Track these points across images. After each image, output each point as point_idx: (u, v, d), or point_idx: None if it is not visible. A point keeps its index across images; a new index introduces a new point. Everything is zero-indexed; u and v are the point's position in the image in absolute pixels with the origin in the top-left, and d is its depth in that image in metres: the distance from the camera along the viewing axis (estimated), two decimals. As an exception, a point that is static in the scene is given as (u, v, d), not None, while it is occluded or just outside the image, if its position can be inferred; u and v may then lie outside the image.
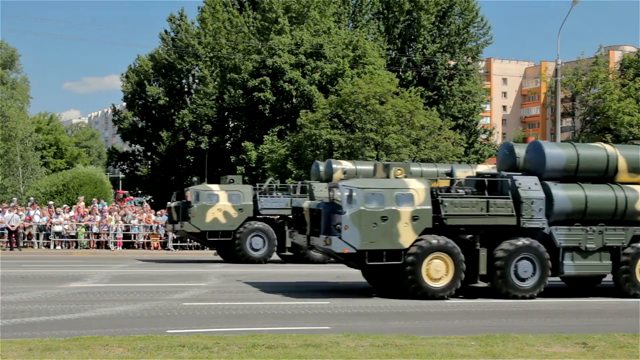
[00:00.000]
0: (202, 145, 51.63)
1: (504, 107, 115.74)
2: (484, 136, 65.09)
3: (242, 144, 48.61)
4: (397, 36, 58.28)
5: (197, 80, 56.54)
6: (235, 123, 53.48)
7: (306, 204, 18.13)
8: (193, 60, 54.74)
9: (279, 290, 17.81)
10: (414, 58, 57.61)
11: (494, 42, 77.45)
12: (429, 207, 16.88)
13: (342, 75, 46.47)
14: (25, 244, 33.00)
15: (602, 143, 19.80)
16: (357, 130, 41.37)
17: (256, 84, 47.33)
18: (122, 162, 61.96)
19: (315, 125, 41.43)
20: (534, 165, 18.05)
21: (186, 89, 58.46)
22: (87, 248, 32.94)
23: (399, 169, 17.47)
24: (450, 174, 23.10)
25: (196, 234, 27.07)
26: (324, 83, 47.09)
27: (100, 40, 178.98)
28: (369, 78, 44.82)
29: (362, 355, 10.12)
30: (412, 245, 16.66)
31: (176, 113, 54.11)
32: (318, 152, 41.59)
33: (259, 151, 46.40)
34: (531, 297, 17.18)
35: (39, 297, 15.87)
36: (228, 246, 27.05)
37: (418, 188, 16.96)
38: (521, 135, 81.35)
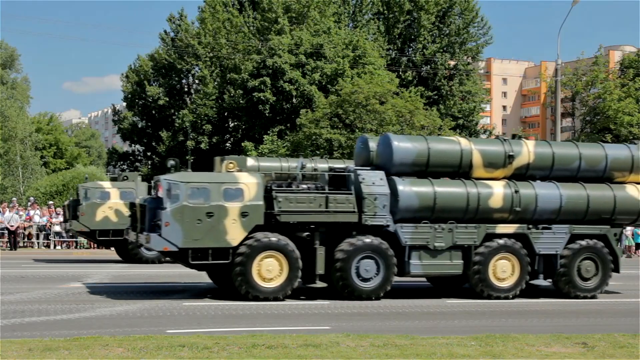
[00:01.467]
0: (202, 145, 51.62)
1: (504, 107, 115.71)
2: (484, 136, 65.12)
3: (242, 144, 48.60)
4: (397, 36, 58.27)
5: (197, 80, 56.53)
6: (235, 123, 53.46)
7: (139, 199, 17.22)
8: (193, 60, 54.74)
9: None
10: (414, 58, 57.60)
11: (494, 42, 77.47)
12: (261, 202, 15.94)
13: (342, 75, 46.47)
14: (25, 244, 32.99)
15: (458, 137, 18.73)
16: (357, 130, 41.36)
17: (256, 84, 47.34)
18: (122, 162, 61.95)
19: (315, 125, 41.44)
20: (383, 160, 17.16)
21: (186, 89, 58.45)
22: (87, 248, 32.94)
23: (230, 162, 16.68)
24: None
25: (86, 232, 26.05)
26: (324, 83, 47.09)
27: (100, 40, 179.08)
28: (369, 78, 44.83)
29: (362, 355, 10.12)
30: (241, 244, 15.74)
31: (176, 113, 54.12)
32: (318, 152, 41.61)
33: (259, 151, 46.39)
34: (377, 298, 16.39)
35: (39, 297, 15.87)
36: (123, 246, 25.30)
37: (249, 182, 16.00)
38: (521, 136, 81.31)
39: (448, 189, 17.05)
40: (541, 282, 17.98)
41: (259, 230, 15.92)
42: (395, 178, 16.82)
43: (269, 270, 15.86)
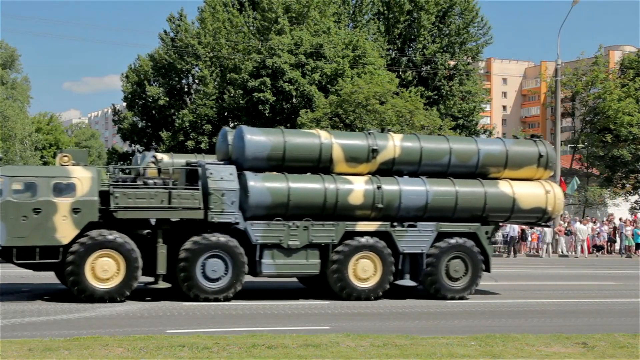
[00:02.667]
0: (202, 145, 51.60)
1: (504, 107, 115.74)
2: (484, 136, 65.14)
3: (242, 144, 48.56)
4: (397, 36, 58.28)
5: (197, 80, 56.54)
6: (235, 123, 53.48)
7: None
8: (193, 60, 54.76)
9: (278, 290, 17.81)
10: (414, 58, 57.61)
11: (494, 42, 77.43)
12: (95, 198, 15.10)
13: (342, 75, 46.48)
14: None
15: (319, 130, 17.80)
16: (357, 130, 41.38)
17: (256, 84, 47.34)
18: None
19: (315, 125, 41.45)
20: (237, 154, 16.32)
21: (186, 89, 58.47)
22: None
23: (65, 156, 15.57)
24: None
25: None
26: (324, 83, 47.09)
27: (100, 40, 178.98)
28: (369, 78, 44.83)
29: (362, 355, 10.11)
30: (73, 242, 14.89)
31: (176, 113, 54.13)
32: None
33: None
34: (226, 299, 15.59)
35: (39, 297, 15.86)
36: None
37: (82, 177, 15.07)
38: (521, 135, 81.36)
39: (303, 185, 16.20)
40: (407, 282, 17.02)
41: (97, 228, 15.09)
42: (247, 173, 15.97)
43: (105, 270, 15.02)
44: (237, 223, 15.77)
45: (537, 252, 37.48)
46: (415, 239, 16.82)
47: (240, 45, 51.73)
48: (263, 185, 15.92)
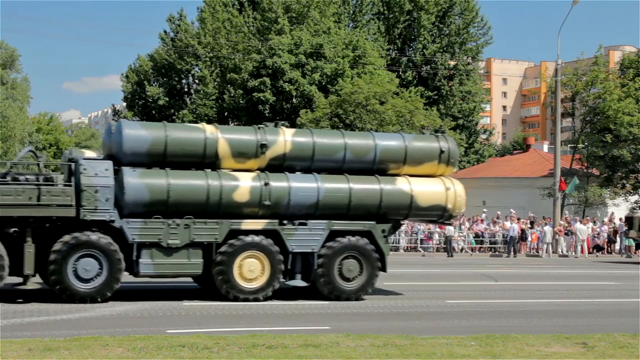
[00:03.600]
0: (202, 145, 51.62)
1: (504, 107, 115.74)
2: (484, 136, 65.14)
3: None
4: (397, 36, 58.29)
5: (197, 80, 56.56)
6: (235, 123, 53.49)
7: None
8: (193, 60, 54.77)
9: (279, 290, 17.81)
10: (414, 58, 57.61)
11: (494, 42, 77.51)
12: None
13: (342, 75, 46.48)
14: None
15: (205, 124, 16.98)
16: (357, 130, 41.37)
17: (256, 84, 47.34)
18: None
19: (315, 125, 41.42)
20: (115, 148, 15.51)
21: (186, 89, 58.49)
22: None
23: None
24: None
25: None
26: (324, 83, 47.09)
27: (100, 40, 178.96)
28: (369, 78, 44.84)
29: (362, 355, 10.11)
30: None
31: (176, 113, 54.15)
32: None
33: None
34: (103, 300, 14.92)
35: (39, 297, 15.86)
36: None
37: None
38: (521, 136, 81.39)
39: (184, 182, 15.50)
40: (298, 282, 16.33)
41: None
42: (124, 169, 15.22)
43: None
44: (113, 221, 15.02)
45: (537, 252, 37.48)
46: (306, 238, 16.10)
47: (240, 45, 51.74)
48: (140, 181, 15.20)
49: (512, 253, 35.69)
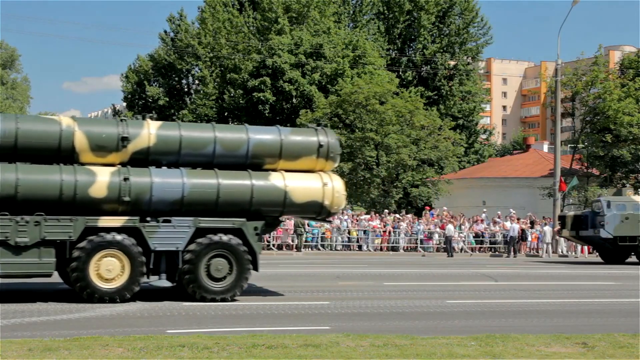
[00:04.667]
0: (202, 145, 51.63)
1: (504, 107, 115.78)
2: (484, 136, 65.16)
3: (242, 144, 48.60)
4: (397, 36, 58.31)
5: (197, 80, 56.58)
6: (236, 123, 53.53)
7: None
8: (193, 60, 54.78)
9: (279, 291, 17.81)
10: (414, 58, 57.63)
11: (494, 42, 77.54)
12: None
13: (342, 75, 46.50)
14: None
15: (62, 116, 16.22)
16: (357, 130, 41.37)
17: (256, 84, 47.35)
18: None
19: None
20: None
21: (186, 89, 58.51)
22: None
23: None
24: None
25: None
26: (324, 83, 47.11)
27: (100, 40, 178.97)
28: (369, 78, 44.86)
29: (362, 355, 10.11)
30: None
31: (176, 113, 54.17)
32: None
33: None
34: None
35: (39, 297, 15.85)
36: None
37: None
38: (521, 136, 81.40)
39: (34, 176, 14.68)
40: (162, 282, 15.62)
41: None
42: None
43: None
44: None
45: (537, 252, 37.49)
46: (170, 236, 15.35)
47: (240, 45, 51.76)
48: None
49: (512, 253, 35.69)
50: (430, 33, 57.81)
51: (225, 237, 15.53)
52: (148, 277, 15.55)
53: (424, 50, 57.30)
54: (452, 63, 58.78)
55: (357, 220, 37.02)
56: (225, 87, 51.73)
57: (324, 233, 35.64)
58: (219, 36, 52.59)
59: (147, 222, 15.21)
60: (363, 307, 15.58)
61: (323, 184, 16.28)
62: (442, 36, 58.23)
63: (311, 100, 46.11)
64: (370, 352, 10.26)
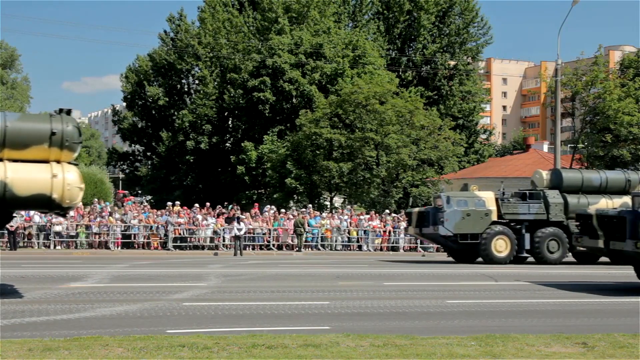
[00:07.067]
0: (202, 145, 51.62)
1: (504, 107, 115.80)
2: (484, 136, 65.16)
3: (242, 144, 48.63)
4: (397, 36, 58.32)
5: (197, 80, 56.58)
6: (236, 123, 53.53)
7: None
8: (193, 60, 54.77)
9: (279, 290, 17.81)
10: (414, 58, 57.65)
11: (494, 42, 77.55)
12: None
13: (342, 75, 46.51)
14: (25, 244, 33.00)
15: None
16: (357, 130, 41.39)
17: (256, 84, 47.37)
18: (122, 162, 61.99)
19: (315, 125, 41.45)
20: None
21: (186, 89, 58.51)
22: (89, 247, 32.94)
23: None
24: None
25: None
26: (324, 83, 47.12)
27: (100, 40, 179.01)
28: (369, 78, 44.88)
29: (362, 355, 10.11)
30: None
31: (176, 113, 54.21)
32: (318, 152, 41.61)
33: (259, 151, 46.43)
34: None
35: (38, 297, 15.86)
36: None
37: None
38: (521, 135, 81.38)
39: None
40: None
41: None
42: None
43: None
44: None
45: (537, 252, 37.37)
46: None
47: (240, 45, 51.74)
48: None
49: (512, 253, 35.52)
50: (430, 33, 57.82)
51: None
52: None
53: (424, 50, 57.31)
54: (452, 63, 58.79)
55: (357, 220, 37.02)
56: (225, 87, 51.73)
57: (324, 233, 35.65)
58: (219, 36, 52.59)
59: None
60: (363, 307, 15.57)
61: (52, 176, 15.00)
62: (442, 36, 58.25)
63: (311, 100, 46.12)
64: (370, 352, 10.26)
